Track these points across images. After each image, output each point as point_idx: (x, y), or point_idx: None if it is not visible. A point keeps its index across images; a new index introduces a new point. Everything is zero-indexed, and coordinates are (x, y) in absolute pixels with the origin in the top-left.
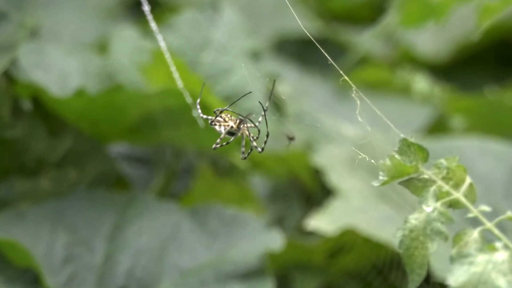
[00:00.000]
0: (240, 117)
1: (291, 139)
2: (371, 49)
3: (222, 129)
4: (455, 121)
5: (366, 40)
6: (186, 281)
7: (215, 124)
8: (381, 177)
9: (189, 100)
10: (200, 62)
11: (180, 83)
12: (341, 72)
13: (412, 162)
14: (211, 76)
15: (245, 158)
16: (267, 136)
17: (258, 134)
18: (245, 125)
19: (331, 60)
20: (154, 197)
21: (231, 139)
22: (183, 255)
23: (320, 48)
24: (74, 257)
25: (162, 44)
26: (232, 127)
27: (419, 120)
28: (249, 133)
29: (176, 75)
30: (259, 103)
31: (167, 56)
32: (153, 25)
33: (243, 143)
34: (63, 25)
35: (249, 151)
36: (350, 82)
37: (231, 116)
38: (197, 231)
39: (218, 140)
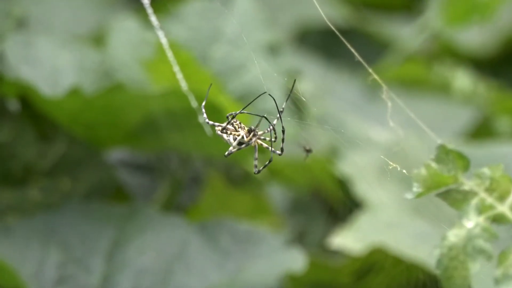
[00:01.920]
0: (251, 127)
1: (308, 151)
2: (407, 42)
3: (231, 138)
4: (502, 124)
5: (409, 38)
6: None
7: (224, 132)
8: (415, 189)
9: (195, 103)
10: (210, 57)
11: (184, 84)
12: (370, 70)
13: (450, 171)
14: (222, 72)
15: (258, 172)
16: (283, 132)
17: (275, 136)
18: (257, 136)
19: (358, 57)
20: (158, 210)
21: (243, 146)
22: (191, 276)
23: (345, 42)
24: (67, 278)
25: (164, 41)
26: (243, 137)
27: (460, 123)
28: (262, 143)
29: (180, 75)
30: (275, 104)
31: (170, 53)
32: (153, 19)
33: (256, 155)
34: (55, 14)
35: (266, 163)
36: (379, 81)
37: (241, 124)
38: (206, 249)
39: (231, 149)
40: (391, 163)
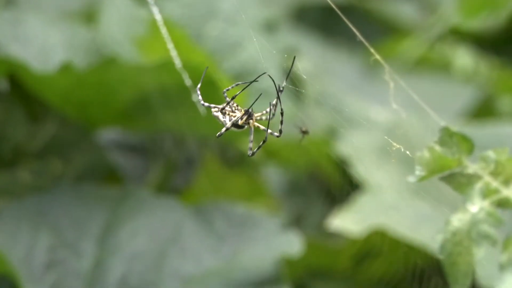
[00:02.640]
0: (248, 109)
1: (304, 132)
2: (406, 19)
3: (227, 120)
4: (504, 103)
5: (417, 45)
6: None
7: (222, 112)
8: (418, 172)
9: (188, 81)
10: (205, 34)
11: (178, 62)
12: (372, 50)
13: (454, 154)
14: (217, 51)
15: (252, 154)
16: (282, 114)
17: (273, 113)
18: (253, 118)
19: (360, 36)
20: (151, 193)
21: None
22: (185, 260)
23: (346, 21)
24: (58, 262)
25: (158, 17)
26: (238, 119)
27: (461, 102)
28: (259, 125)
29: (174, 52)
30: (274, 84)
31: (164, 30)
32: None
33: (251, 137)
34: None
35: (260, 143)
36: (381, 61)
37: (238, 106)
38: (201, 232)
39: (223, 130)
40: (394, 144)
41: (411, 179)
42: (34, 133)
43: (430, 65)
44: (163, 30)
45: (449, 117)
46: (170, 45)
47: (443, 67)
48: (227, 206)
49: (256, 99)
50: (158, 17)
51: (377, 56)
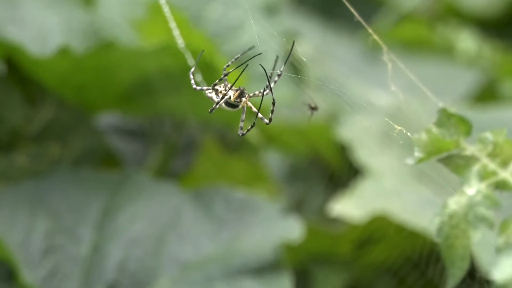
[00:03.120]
0: (241, 88)
1: (313, 108)
2: (408, 1)
3: (217, 98)
4: (507, 87)
5: None
6: (188, 276)
7: (215, 92)
8: (416, 154)
9: (191, 61)
10: (205, 17)
11: (181, 41)
12: (370, 30)
13: (452, 136)
14: (217, 33)
15: (242, 135)
16: (274, 104)
17: (270, 87)
18: (246, 97)
19: (358, 17)
20: (150, 177)
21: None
22: (184, 245)
23: (345, 1)
24: (56, 248)
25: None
26: (230, 97)
27: (464, 86)
28: (252, 106)
29: (176, 32)
30: (274, 67)
31: (166, 9)
32: None
33: (243, 116)
34: None
35: (249, 127)
36: (379, 41)
37: (231, 86)
38: (200, 217)
39: (215, 106)
40: (396, 126)
41: (409, 161)
42: (31, 117)
43: (433, 49)
44: (166, 9)
45: (452, 101)
46: (173, 25)
47: (446, 51)
48: (227, 190)
49: (244, 69)
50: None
51: (375, 36)
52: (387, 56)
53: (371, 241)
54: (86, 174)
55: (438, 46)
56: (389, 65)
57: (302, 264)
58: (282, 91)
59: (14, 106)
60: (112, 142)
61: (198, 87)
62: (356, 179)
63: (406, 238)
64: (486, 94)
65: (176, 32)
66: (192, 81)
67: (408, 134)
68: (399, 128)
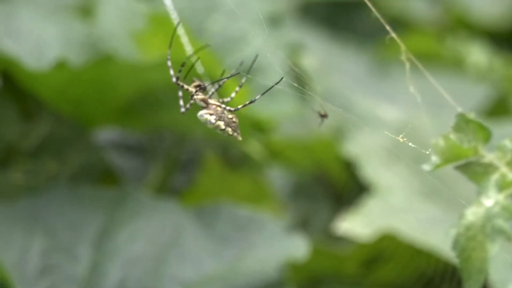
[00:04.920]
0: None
1: (323, 116)
2: (416, 12)
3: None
4: None
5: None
6: None
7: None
8: (433, 159)
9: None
10: (207, 29)
11: (189, 49)
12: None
13: (470, 142)
14: (220, 46)
15: (183, 112)
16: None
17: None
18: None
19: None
20: (150, 194)
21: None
22: (185, 265)
23: (373, 9)
24: (53, 267)
25: (168, 2)
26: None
27: (474, 100)
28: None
29: (185, 39)
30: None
31: (174, 15)
32: None
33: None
34: None
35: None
36: (398, 40)
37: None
38: (202, 236)
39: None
40: (399, 138)
41: (426, 167)
42: (27, 132)
43: (443, 62)
44: (174, 15)
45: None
46: (181, 31)
47: (456, 64)
48: (230, 208)
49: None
50: (168, 2)
51: (393, 34)
52: (405, 55)
53: (379, 260)
54: (84, 191)
55: (448, 59)
56: (407, 65)
57: (308, 284)
58: (286, 105)
59: (9, 121)
60: (111, 158)
61: (183, 109)
62: (363, 196)
63: (415, 257)
64: (497, 109)
65: (184, 39)
66: (181, 102)
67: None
68: (402, 140)
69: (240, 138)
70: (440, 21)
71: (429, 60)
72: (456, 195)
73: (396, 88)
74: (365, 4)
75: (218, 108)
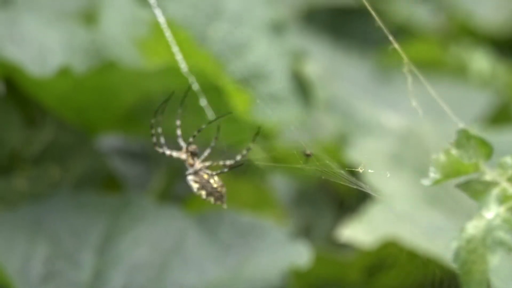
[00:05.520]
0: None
1: (308, 155)
2: (419, 19)
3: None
4: None
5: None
6: None
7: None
8: (432, 175)
9: (196, 85)
10: (210, 36)
11: (184, 66)
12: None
13: (471, 158)
14: (223, 53)
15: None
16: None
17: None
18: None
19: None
20: (153, 201)
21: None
22: (188, 271)
23: (377, 18)
24: (55, 274)
25: (162, 20)
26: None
27: (477, 108)
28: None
29: (179, 56)
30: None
31: (168, 33)
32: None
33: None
34: None
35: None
36: (400, 51)
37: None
38: (205, 242)
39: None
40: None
41: (426, 182)
42: (31, 138)
43: (446, 69)
44: (168, 33)
45: (465, 123)
46: (175, 48)
47: (458, 71)
48: (232, 215)
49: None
50: (161, 19)
51: (396, 45)
52: (407, 68)
53: (382, 267)
54: (87, 197)
55: (451, 66)
56: (409, 79)
57: None
58: (289, 112)
59: (13, 127)
60: (114, 164)
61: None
62: (366, 203)
63: (419, 265)
64: (500, 116)
65: (179, 56)
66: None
67: (423, 157)
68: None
69: (225, 206)
70: (443, 28)
71: (432, 67)
72: (459, 203)
73: (399, 95)
74: (368, 11)
75: (205, 176)
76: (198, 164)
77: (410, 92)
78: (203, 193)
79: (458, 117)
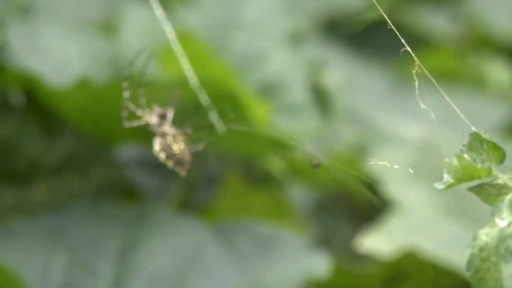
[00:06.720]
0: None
1: (315, 166)
2: (437, 29)
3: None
4: None
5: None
6: None
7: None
8: (445, 178)
9: (207, 99)
10: (228, 47)
11: (195, 81)
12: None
13: (484, 162)
14: (241, 64)
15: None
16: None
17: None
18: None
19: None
20: (172, 211)
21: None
22: (206, 281)
23: (389, 21)
24: (74, 284)
25: (172, 35)
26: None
27: (495, 119)
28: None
29: (190, 71)
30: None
31: (178, 48)
32: (158, 12)
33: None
34: (61, 1)
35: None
36: (413, 55)
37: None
38: (223, 253)
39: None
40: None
41: (439, 185)
42: (50, 149)
43: (463, 80)
44: (177, 48)
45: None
46: (186, 65)
47: (477, 82)
48: (251, 225)
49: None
50: (171, 35)
51: (408, 48)
52: (417, 69)
53: (403, 278)
54: (106, 207)
55: (469, 77)
56: (416, 83)
57: None
58: (308, 122)
59: (32, 138)
60: (132, 175)
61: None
62: (385, 213)
63: (438, 275)
64: None
65: (189, 72)
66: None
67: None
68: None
69: (183, 173)
70: (461, 38)
71: (450, 77)
72: (478, 214)
73: (418, 106)
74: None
75: (169, 139)
76: (164, 127)
77: (418, 99)
78: (162, 156)
79: (476, 128)
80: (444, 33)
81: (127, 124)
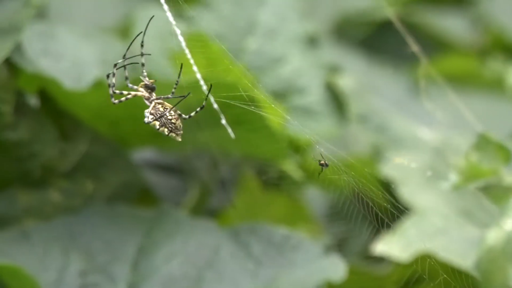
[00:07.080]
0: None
1: (323, 165)
2: (455, 33)
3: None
4: None
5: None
6: None
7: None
8: (452, 178)
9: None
10: (244, 49)
11: (205, 88)
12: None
13: (490, 162)
14: (257, 66)
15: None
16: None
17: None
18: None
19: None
20: (187, 214)
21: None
22: (222, 285)
23: (397, 23)
24: (90, 287)
25: (182, 41)
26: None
27: None
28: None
29: (199, 75)
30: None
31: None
32: (170, 17)
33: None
34: (76, 4)
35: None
36: (421, 56)
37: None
38: (239, 256)
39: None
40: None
41: (445, 185)
42: (65, 151)
43: (481, 83)
44: (190, 48)
45: (500, 137)
46: (198, 64)
47: (495, 85)
48: (266, 228)
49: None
50: (182, 42)
51: (414, 48)
52: (424, 71)
53: (418, 281)
54: (121, 210)
55: (487, 80)
56: (422, 84)
57: None
58: (323, 125)
59: (47, 140)
60: (148, 178)
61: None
62: (401, 217)
63: (454, 278)
64: None
65: (198, 75)
66: (111, 91)
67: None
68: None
69: (179, 139)
70: (480, 41)
71: (468, 80)
72: (492, 217)
73: (436, 108)
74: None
75: (160, 108)
76: (154, 97)
77: (425, 101)
78: (157, 123)
79: (494, 131)
80: (461, 36)
81: (115, 101)
